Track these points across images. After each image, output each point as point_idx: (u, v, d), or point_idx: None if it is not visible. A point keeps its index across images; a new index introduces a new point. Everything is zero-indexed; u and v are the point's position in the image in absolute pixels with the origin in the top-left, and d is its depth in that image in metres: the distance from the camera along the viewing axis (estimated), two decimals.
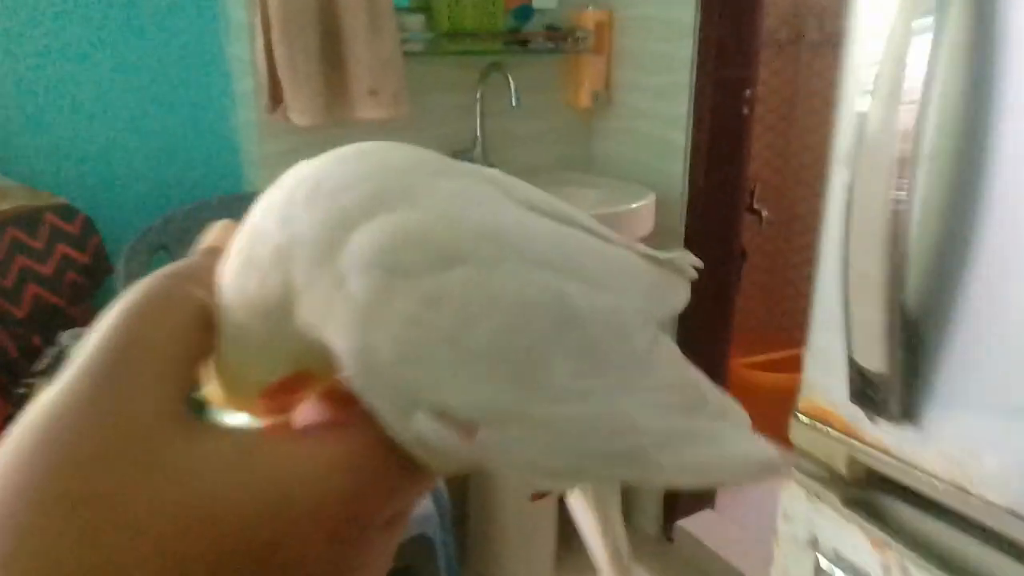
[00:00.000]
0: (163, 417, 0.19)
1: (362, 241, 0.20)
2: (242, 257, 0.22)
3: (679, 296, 0.27)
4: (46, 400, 0.19)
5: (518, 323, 0.21)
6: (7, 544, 0.17)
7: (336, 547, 0.20)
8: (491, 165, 1.84)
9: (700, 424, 0.25)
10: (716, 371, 1.93)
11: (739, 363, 2.25)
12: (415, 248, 0.20)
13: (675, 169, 1.77)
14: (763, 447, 0.26)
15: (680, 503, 2.04)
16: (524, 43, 1.74)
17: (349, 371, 0.20)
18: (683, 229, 1.78)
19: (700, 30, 1.66)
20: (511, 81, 1.65)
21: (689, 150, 1.74)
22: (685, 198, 1.76)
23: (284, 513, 0.19)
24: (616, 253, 0.25)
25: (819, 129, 2.39)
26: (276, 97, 1.46)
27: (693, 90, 1.70)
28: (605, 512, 0.31)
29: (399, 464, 0.21)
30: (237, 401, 0.24)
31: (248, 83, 1.52)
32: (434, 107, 1.73)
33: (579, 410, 0.22)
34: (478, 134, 1.76)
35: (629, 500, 2.03)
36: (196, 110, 1.53)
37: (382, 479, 0.21)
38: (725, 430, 0.26)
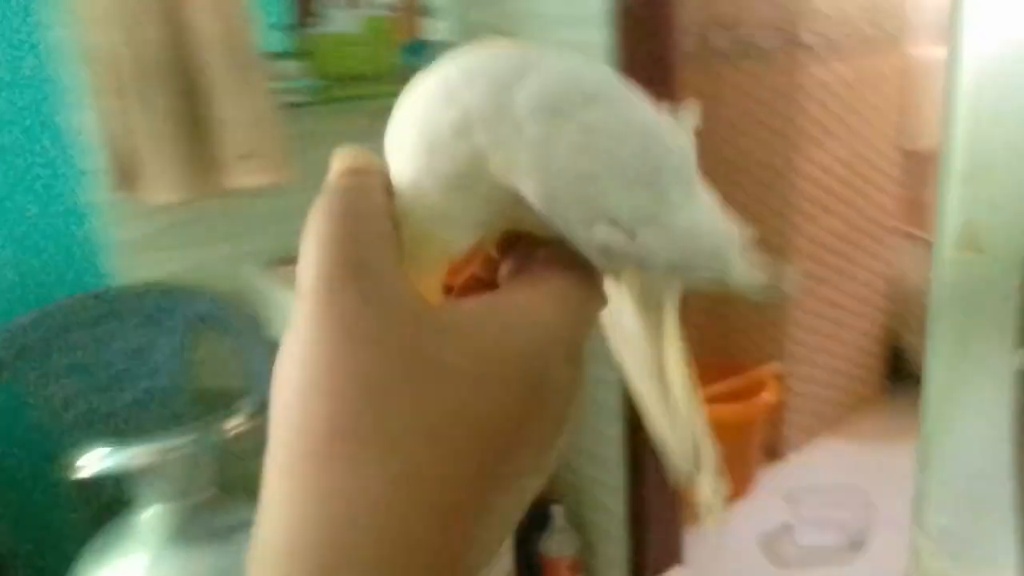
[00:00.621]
0: (421, 305, 0.21)
1: (527, 94, 0.24)
2: (420, 146, 0.25)
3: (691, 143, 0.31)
4: (305, 325, 0.20)
5: (646, 144, 0.26)
6: (317, 464, 0.19)
7: (572, 368, 0.23)
8: None
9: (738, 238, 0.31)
10: None
11: None
12: (565, 92, 0.25)
13: None
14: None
15: (649, 561, 1.86)
16: None
17: (540, 202, 0.24)
18: None
19: (616, 51, 1.50)
20: None
21: None
22: None
23: (541, 348, 0.22)
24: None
25: (736, 141, 2.29)
26: (129, 172, 1.21)
27: None
28: (674, 331, 0.33)
29: (593, 287, 0.26)
30: (426, 286, 0.25)
31: (96, 157, 1.27)
32: (324, 165, 1.51)
33: (687, 215, 0.27)
34: None
35: (597, 556, 1.84)
36: (35, 192, 1.26)
37: (585, 302, 0.25)
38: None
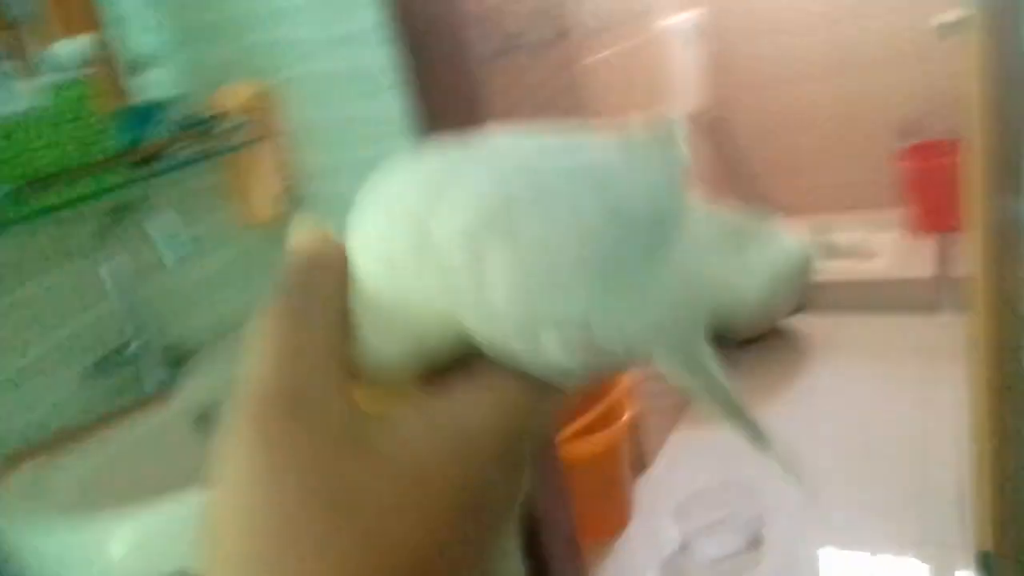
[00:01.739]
0: (352, 406, 0.22)
1: (442, 223, 0.22)
2: (362, 285, 0.24)
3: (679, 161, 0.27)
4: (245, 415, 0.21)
5: (596, 230, 0.23)
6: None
7: (509, 472, 0.22)
8: (166, 360, 1.21)
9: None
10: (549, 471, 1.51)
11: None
12: (484, 208, 0.22)
13: None
14: None
15: None
16: (152, 160, 1.11)
17: (483, 339, 0.23)
18: None
19: (402, 73, 1.18)
20: (152, 224, 1.02)
21: None
22: None
23: (471, 457, 0.21)
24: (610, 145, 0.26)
25: None
26: None
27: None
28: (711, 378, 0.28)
29: (535, 387, 0.23)
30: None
31: None
32: (31, 309, 1.03)
33: (665, 273, 0.24)
34: (125, 320, 1.09)
35: None
36: None
37: (526, 404, 0.23)
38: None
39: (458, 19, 1.30)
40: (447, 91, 1.27)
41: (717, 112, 3.07)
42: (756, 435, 0.27)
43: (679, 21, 2.58)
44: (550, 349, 0.22)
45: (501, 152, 0.24)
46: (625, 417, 1.95)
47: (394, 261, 0.23)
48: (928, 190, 2.79)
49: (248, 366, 0.22)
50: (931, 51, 2.66)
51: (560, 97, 1.96)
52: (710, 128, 3.10)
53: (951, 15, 1.84)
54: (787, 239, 0.38)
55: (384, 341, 0.23)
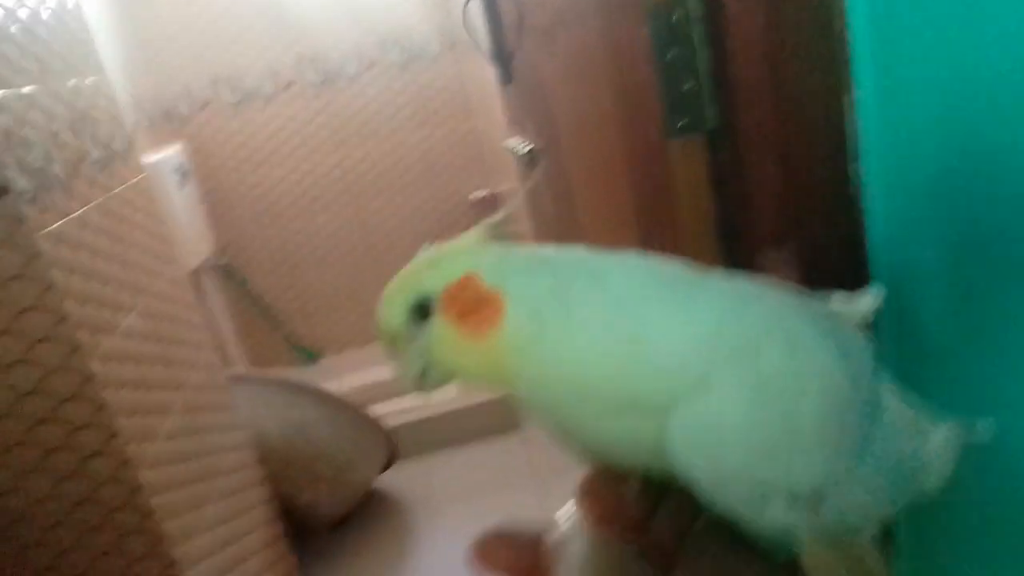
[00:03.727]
0: None
1: (671, 343, 0.24)
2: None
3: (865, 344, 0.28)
4: None
5: (826, 399, 0.23)
6: None
7: None
8: None
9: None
10: None
11: None
12: (719, 333, 0.24)
13: None
14: None
15: None
16: None
17: (709, 488, 0.23)
18: None
19: None
20: None
21: None
22: None
23: None
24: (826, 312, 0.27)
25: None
26: None
27: None
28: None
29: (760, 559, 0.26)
30: None
31: None
32: None
33: (874, 454, 0.24)
34: None
35: None
36: None
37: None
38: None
39: None
40: None
41: (227, 259, 2.58)
42: None
43: (159, 160, 2.05)
44: (777, 514, 0.22)
45: (727, 287, 0.25)
46: None
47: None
48: None
49: None
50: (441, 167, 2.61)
51: (13, 282, 1.27)
52: (222, 277, 2.58)
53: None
54: (947, 426, 0.22)
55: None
